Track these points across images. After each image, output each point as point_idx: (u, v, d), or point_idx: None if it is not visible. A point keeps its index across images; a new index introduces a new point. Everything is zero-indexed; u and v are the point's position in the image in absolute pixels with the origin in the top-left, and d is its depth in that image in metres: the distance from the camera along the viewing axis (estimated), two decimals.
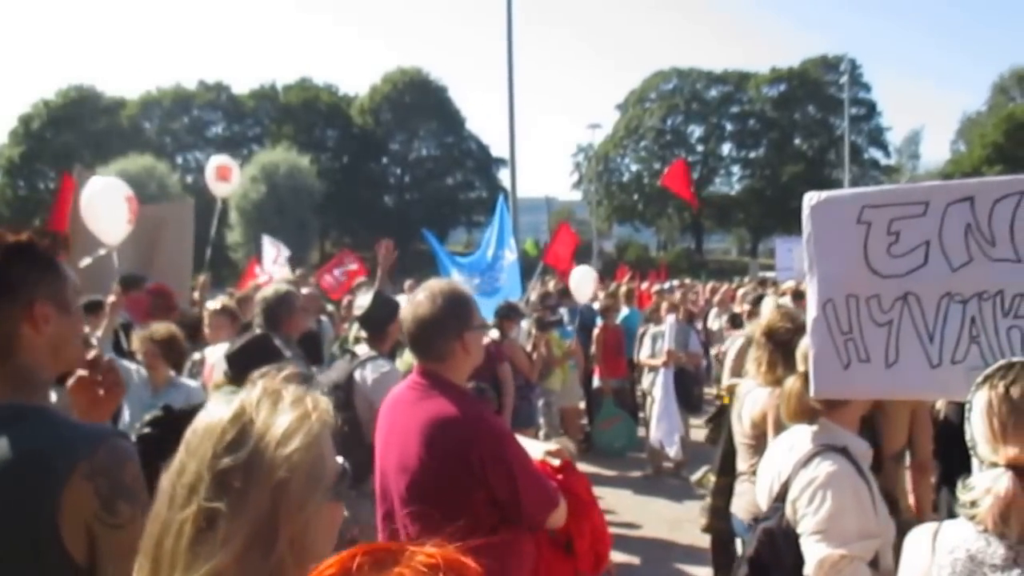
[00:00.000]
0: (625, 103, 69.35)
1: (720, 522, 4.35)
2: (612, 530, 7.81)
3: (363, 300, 4.86)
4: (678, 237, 71.94)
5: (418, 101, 62.16)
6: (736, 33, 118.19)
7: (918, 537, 1.92)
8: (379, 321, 4.69)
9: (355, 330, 6.64)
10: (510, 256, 9.05)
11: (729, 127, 67.99)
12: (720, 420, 7.28)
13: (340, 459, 1.30)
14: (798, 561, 2.53)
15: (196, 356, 5.60)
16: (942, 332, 2.07)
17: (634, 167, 68.67)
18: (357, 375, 4.49)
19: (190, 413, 1.31)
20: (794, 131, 66.20)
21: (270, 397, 1.24)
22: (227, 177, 9.39)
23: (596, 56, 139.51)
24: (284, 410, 1.23)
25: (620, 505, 8.57)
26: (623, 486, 9.28)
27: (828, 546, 2.40)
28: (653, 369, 9.21)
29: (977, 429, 1.82)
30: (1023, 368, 1.82)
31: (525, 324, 8.99)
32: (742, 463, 4.07)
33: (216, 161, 9.50)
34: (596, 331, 10.44)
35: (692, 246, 69.01)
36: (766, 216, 62.70)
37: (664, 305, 9.83)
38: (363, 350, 4.69)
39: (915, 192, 2.11)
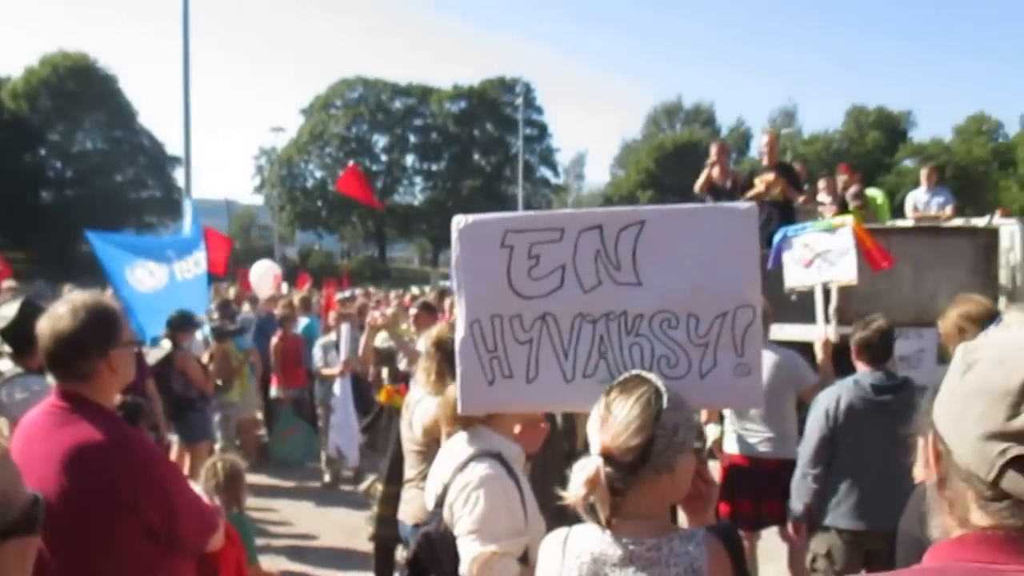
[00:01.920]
0: (310, 108, 68.51)
1: (386, 530, 4.40)
2: (289, 542, 7.66)
3: (8, 310, 4.33)
4: (362, 245, 72.19)
5: (83, 89, 56.65)
6: (421, 48, 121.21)
7: (550, 542, 2.05)
8: (27, 334, 4.20)
9: None
10: (201, 266, 8.35)
11: (413, 139, 69.54)
12: (376, 426, 7.39)
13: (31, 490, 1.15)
14: (455, 562, 2.64)
15: None
16: (575, 349, 2.23)
17: (318, 173, 68.04)
18: (4, 395, 4.01)
19: None
20: (473, 147, 69.06)
21: None
22: None
23: (281, 59, 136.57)
24: None
25: (298, 516, 8.44)
26: (302, 497, 9.14)
27: (481, 544, 2.54)
28: (327, 379, 9.16)
29: (591, 427, 2.01)
30: (638, 379, 2.04)
31: (200, 335, 8.57)
32: (410, 470, 4.15)
33: None
34: (274, 340, 10.19)
35: (376, 254, 69.58)
36: (447, 227, 63.95)
37: (332, 315, 9.81)
38: (7, 366, 4.19)
39: (552, 219, 2.26)
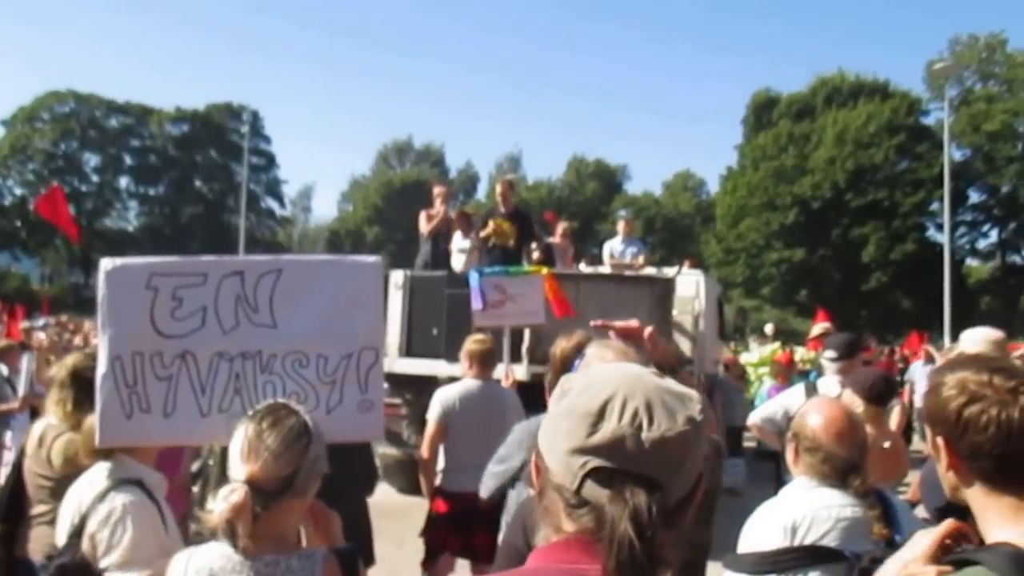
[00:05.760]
0: (12, 119, 62.48)
1: (6, 571, 4.15)
2: None
3: None
4: (66, 270, 66.54)
5: None
6: (140, 66, 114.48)
7: (176, 562, 2.18)
8: None
9: None
10: None
11: (129, 160, 65.31)
12: None
13: None
14: None
15: None
16: (212, 385, 2.41)
17: (19, 190, 62.01)
18: None
19: None
20: (195, 172, 66.05)
21: None
22: None
23: None
24: None
25: None
26: None
27: (136, 573, 2.58)
28: (1, 416, 8.49)
29: (234, 454, 2.15)
30: (286, 409, 2.23)
31: None
32: (41, 506, 3.83)
33: None
34: None
35: (82, 280, 64.41)
36: (164, 254, 60.60)
37: (2, 344, 9.12)
38: None
39: (197, 264, 2.45)
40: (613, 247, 12.85)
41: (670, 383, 1.27)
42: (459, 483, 5.31)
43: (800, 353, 14.59)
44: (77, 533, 2.65)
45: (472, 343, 5.68)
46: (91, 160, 64.61)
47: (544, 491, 1.25)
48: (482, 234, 10.77)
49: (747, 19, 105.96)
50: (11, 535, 3.86)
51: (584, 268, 12.94)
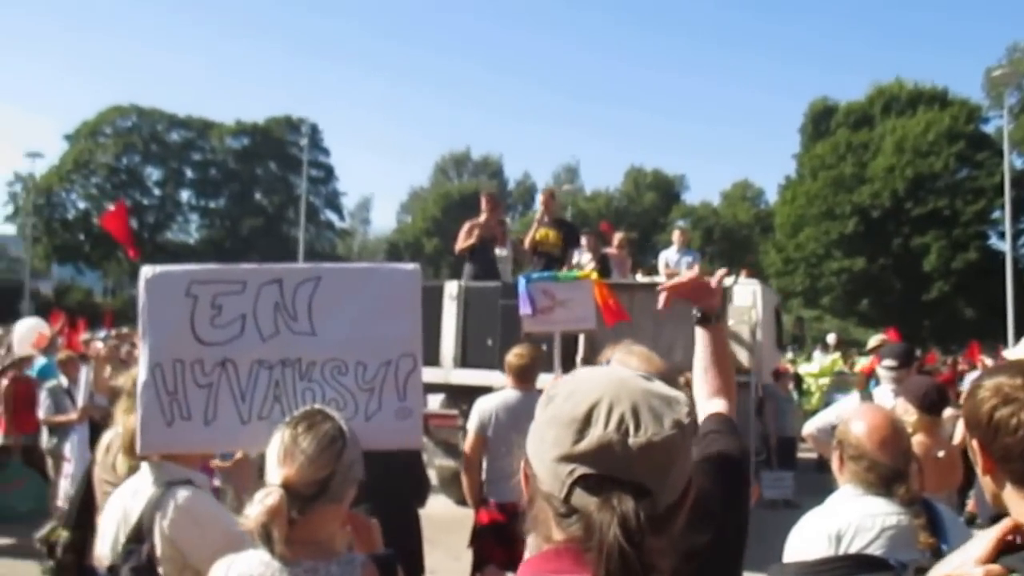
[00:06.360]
0: (76, 134, 64.22)
1: None
2: None
3: None
4: (127, 283, 68.15)
5: None
6: (200, 80, 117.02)
7: (216, 569, 2.19)
8: None
9: None
10: None
11: (190, 174, 66.67)
12: None
13: None
14: None
15: None
16: (252, 393, 2.42)
17: (82, 204, 63.65)
18: None
19: None
20: (255, 185, 67.14)
21: None
22: None
23: (41, 79, 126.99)
24: None
25: (20, 575, 7.88)
26: (26, 555, 8.51)
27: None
28: (60, 426, 8.68)
29: (271, 459, 2.16)
30: (322, 414, 2.23)
31: None
32: None
33: None
34: (3, 382, 9.54)
35: None
36: None
37: (61, 355, 9.32)
38: None
39: (236, 272, 2.46)
40: (668, 257, 12.83)
41: (657, 386, 1.25)
42: (500, 493, 5.35)
43: (861, 364, 14.31)
44: (136, 538, 2.67)
45: (511, 356, 5.71)
46: (153, 174, 66.04)
47: (533, 500, 1.24)
48: (527, 244, 10.79)
49: (804, 28, 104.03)
50: (82, 542, 3.95)
51: (640, 279, 12.87)
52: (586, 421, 1.17)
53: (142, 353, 2.43)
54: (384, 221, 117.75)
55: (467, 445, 5.58)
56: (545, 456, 1.20)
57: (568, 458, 1.16)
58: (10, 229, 64.06)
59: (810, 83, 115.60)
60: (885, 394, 5.46)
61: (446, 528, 6.88)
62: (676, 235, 13.62)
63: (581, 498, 1.14)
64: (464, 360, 9.64)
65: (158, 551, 2.69)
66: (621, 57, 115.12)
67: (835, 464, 2.99)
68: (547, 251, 10.68)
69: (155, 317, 2.41)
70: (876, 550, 2.67)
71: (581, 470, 1.15)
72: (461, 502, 9.39)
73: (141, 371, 2.40)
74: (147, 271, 2.44)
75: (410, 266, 2.53)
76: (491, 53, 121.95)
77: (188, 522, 2.66)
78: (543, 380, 7.67)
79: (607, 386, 1.21)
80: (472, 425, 5.51)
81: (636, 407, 1.18)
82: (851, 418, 3.00)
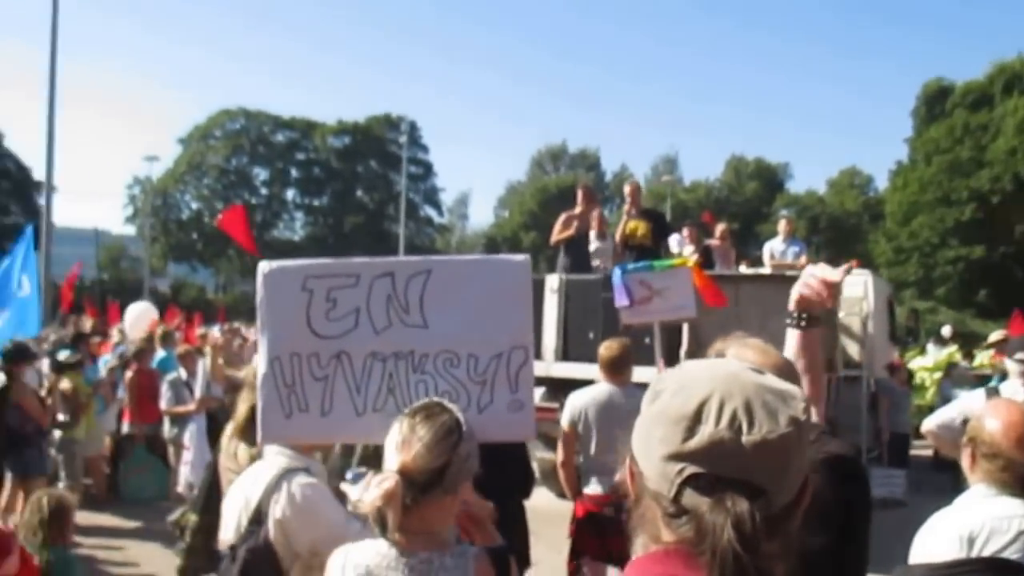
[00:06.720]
0: (188, 138, 66.85)
1: (194, 560, 4.42)
2: None
3: None
4: (238, 279, 70.53)
5: None
6: (305, 82, 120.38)
7: (335, 556, 2.22)
8: None
9: None
10: (26, 288, 8.22)
11: (295, 173, 68.63)
12: None
13: None
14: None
15: None
16: (367, 385, 2.44)
17: (195, 205, 66.27)
18: None
19: None
20: (357, 183, 68.62)
21: None
22: None
23: (156, 85, 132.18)
24: None
25: (145, 556, 8.21)
26: (150, 537, 8.88)
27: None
28: (179, 416, 9.04)
29: (389, 446, 2.18)
30: (440, 406, 2.24)
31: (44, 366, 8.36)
32: None
33: None
34: (128, 374, 9.99)
35: (253, 289, 67.77)
36: None
37: (179, 349, 9.70)
38: None
39: (350, 266, 2.49)
40: (774, 247, 12.55)
41: (771, 380, 1.18)
42: (593, 486, 5.40)
43: (980, 358, 13.68)
44: (256, 520, 2.76)
45: (601, 348, 5.68)
46: (260, 174, 68.28)
47: (640, 498, 1.20)
48: (617, 237, 10.69)
49: (917, 3, 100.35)
50: (209, 525, 4.12)
51: (744, 270, 12.62)
52: (696, 418, 1.12)
53: (260, 346, 2.48)
54: (482, 216, 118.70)
55: (561, 438, 5.59)
56: (652, 454, 1.15)
57: (677, 456, 1.12)
58: (130, 230, 67.23)
59: (923, 63, 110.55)
60: (1015, 389, 5.17)
61: (549, 521, 6.86)
62: (782, 225, 13.30)
63: (692, 498, 1.10)
64: (565, 353, 9.60)
65: (271, 534, 2.76)
66: (718, 47, 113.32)
67: (966, 463, 2.83)
68: (638, 243, 10.55)
69: (273, 311, 2.46)
70: (1011, 554, 2.53)
71: (691, 469, 1.10)
72: (561, 495, 9.40)
73: (260, 364, 2.46)
74: (264, 267, 2.49)
75: (520, 257, 2.51)
76: (586, 47, 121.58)
77: (296, 509, 2.73)
78: (644, 374, 7.60)
79: (718, 381, 1.16)
80: (564, 420, 5.54)
81: (749, 403, 1.12)
82: (984, 414, 2.85)
